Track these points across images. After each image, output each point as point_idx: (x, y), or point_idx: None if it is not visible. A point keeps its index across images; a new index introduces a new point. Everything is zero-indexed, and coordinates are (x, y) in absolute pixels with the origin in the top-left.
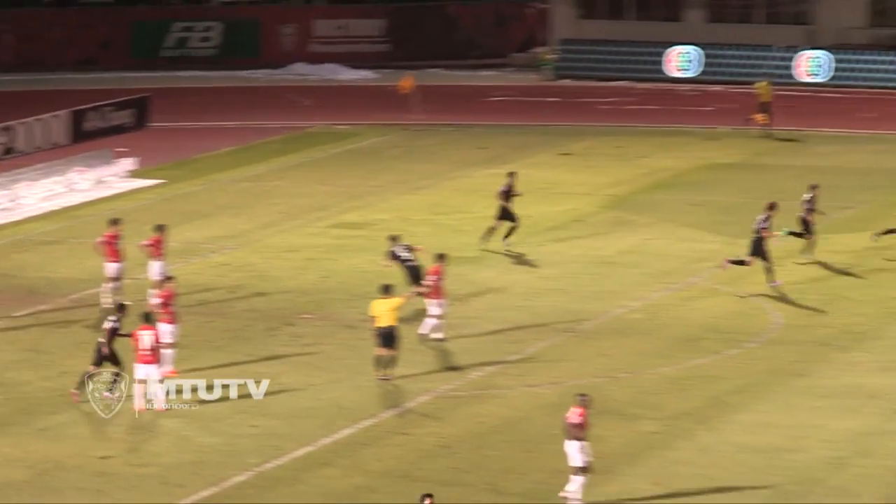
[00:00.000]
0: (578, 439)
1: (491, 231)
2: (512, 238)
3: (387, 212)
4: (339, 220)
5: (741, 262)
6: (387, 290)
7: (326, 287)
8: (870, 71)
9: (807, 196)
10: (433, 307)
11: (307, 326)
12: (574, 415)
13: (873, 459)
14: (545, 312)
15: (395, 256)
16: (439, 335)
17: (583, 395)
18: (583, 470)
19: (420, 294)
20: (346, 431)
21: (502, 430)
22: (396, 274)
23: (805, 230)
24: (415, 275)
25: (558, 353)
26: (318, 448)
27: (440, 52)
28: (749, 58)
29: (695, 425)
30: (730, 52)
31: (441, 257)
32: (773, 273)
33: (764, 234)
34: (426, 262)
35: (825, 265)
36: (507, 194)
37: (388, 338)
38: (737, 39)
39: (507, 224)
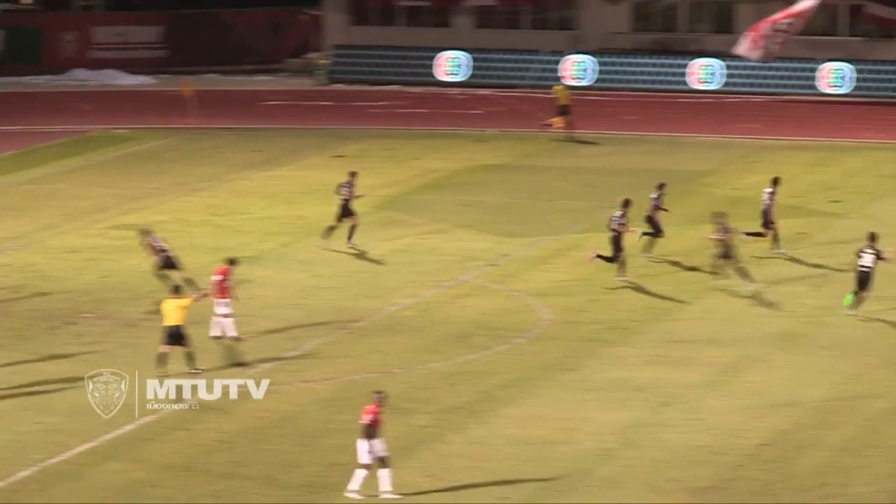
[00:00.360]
0: (369, 437)
1: (331, 230)
2: (355, 238)
3: (165, 213)
4: (118, 222)
5: (608, 258)
6: (177, 290)
7: (106, 287)
8: (633, 74)
9: (654, 195)
10: (220, 307)
11: (88, 325)
12: (367, 412)
13: (640, 451)
14: (320, 310)
15: (151, 247)
16: (233, 333)
17: (378, 392)
18: (367, 466)
19: (206, 295)
20: (128, 427)
21: (279, 425)
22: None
23: (654, 228)
24: (169, 265)
25: (333, 350)
26: (101, 443)
27: (217, 57)
28: (516, 62)
29: (466, 419)
30: (497, 57)
31: (231, 261)
32: (624, 268)
33: (621, 230)
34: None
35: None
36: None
37: (175, 336)
38: (505, 45)
39: (347, 222)
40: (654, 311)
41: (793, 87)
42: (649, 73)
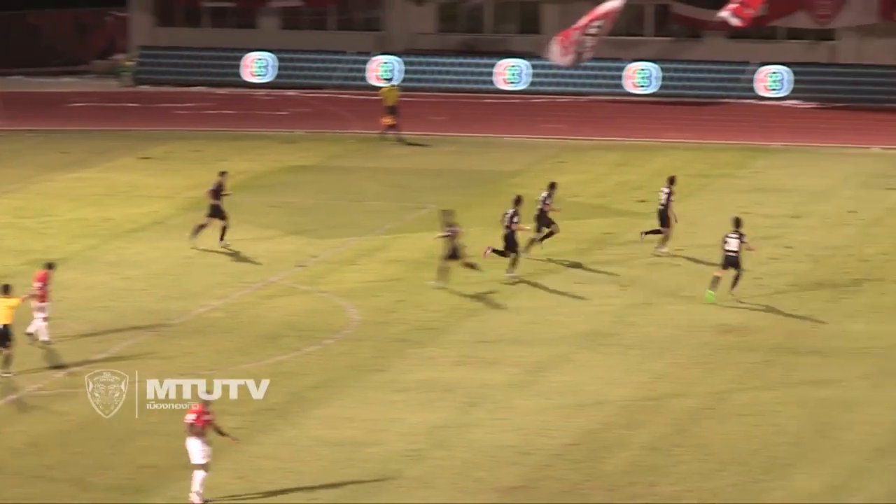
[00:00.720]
0: (198, 436)
1: (199, 228)
2: (226, 237)
3: None
4: None
5: (502, 253)
6: (6, 290)
7: None
8: (439, 74)
9: (544, 194)
10: (38, 311)
11: None
12: (191, 412)
13: (449, 451)
14: (129, 312)
15: None
16: (45, 338)
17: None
18: (203, 466)
19: (32, 297)
20: None
21: (87, 428)
22: (16, 273)
23: (544, 226)
24: None
25: (143, 352)
26: None
27: (22, 59)
28: (323, 62)
29: (276, 420)
30: (303, 58)
31: (50, 266)
32: (516, 265)
33: (514, 228)
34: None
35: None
36: (217, 193)
37: (2, 336)
38: (311, 46)
39: (217, 223)
40: (462, 311)
41: (599, 87)
42: (456, 74)
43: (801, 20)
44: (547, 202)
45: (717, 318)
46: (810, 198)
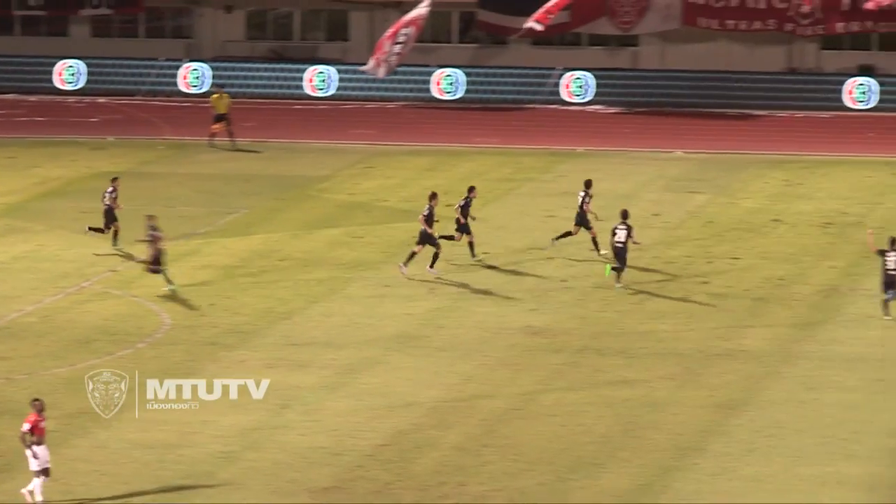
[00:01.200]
0: (32, 444)
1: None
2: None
3: None
4: None
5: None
6: None
7: None
8: (249, 81)
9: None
10: None
11: None
12: (27, 420)
13: (261, 453)
14: None
15: None
16: None
17: (36, 399)
18: (42, 472)
19: None
20: None
21: None
22: None
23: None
24: None
25: None
26: None
27: None
28: (134, 68)
29: (90, 423)
30: (114, 65)
31: None
32: (409, 262)
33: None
34: None
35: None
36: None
37: None
38: (122, 53)
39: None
40: (272, 314)
41: (407, 93)
42: (265, 80)
43: (604, 27)
44: (586, 202)
45: (524, 319)
46: (615, 201)
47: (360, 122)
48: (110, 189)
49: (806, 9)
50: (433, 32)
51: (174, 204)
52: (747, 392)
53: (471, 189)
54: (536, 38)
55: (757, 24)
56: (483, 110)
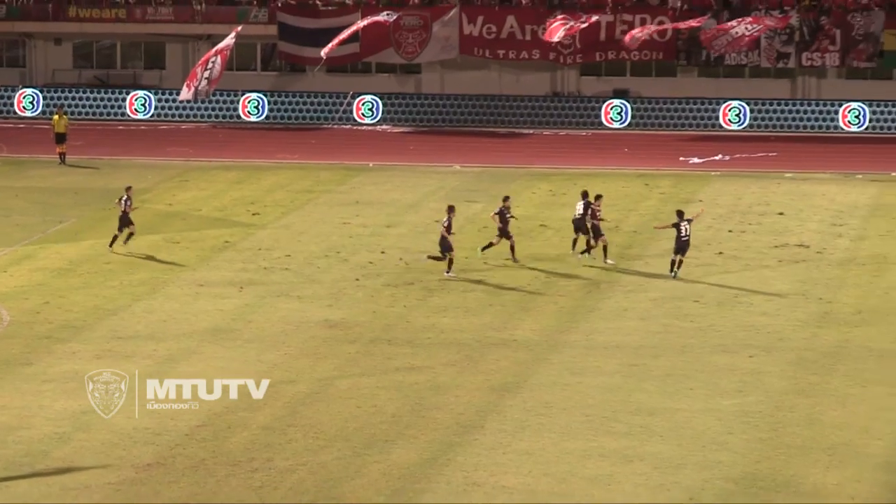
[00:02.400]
0: None
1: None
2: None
3: None
4: None
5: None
6: None
7: None
8: (77, 105)
9: (497, 209)
10: None
11: None
12: None
13: (91, 434)
14: None
15: None
16: None
17: None
18: None
19: None
20: None
21: None
22: None
23: (503, 235)
24: None
25: None
26: None
27: None
28: None
29: None
30: None
31: None
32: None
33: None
34: None
35: (48, 270)
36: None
37: None
38: None
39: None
40: (101, 311)
41: (217, 115)
42: (91, 105)
43: (390, 56)
44: (597, 212)
45: (322, 314)
46: (401, 209)
47: (176, 141)
48: (125, 197)
49: (567, 40)
50: (239, 61)
51: (10, 214)
52: (519, 376)
53: (505, 198)
54: (331, 67)
55: (524, 55)
56: (285, 130)
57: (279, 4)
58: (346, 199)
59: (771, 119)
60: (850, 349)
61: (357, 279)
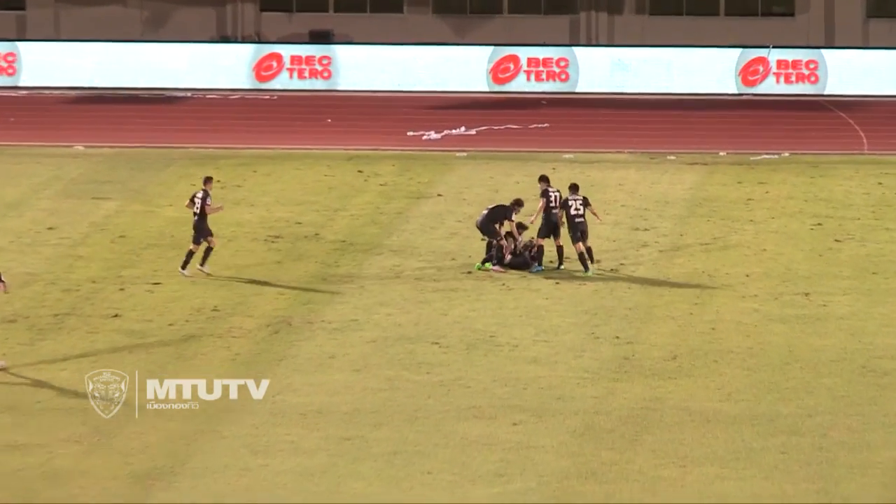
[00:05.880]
0: None
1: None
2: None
3: None
4: None
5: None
6: None
7: None
8: None
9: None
10: None
11: None
12: None
13: None
14: None
15: None
16: None
17: None
18: None
19: None
20: None
21: None
22: None
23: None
24: None
25: None
26: None
27: None
28: None
29: None
30: None
31: None
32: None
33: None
34: None
35: None
36: None
37: None
38: None
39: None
40: None
41: None
42: None
43: None
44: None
45: None
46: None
47: None
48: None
49: None
50: None
51: None
52: (174, 458)
53: (207, 180)
54: None
55: None
56: None
57: None
58: None
59: (543, 75)
60: (663, 412)
61: None
